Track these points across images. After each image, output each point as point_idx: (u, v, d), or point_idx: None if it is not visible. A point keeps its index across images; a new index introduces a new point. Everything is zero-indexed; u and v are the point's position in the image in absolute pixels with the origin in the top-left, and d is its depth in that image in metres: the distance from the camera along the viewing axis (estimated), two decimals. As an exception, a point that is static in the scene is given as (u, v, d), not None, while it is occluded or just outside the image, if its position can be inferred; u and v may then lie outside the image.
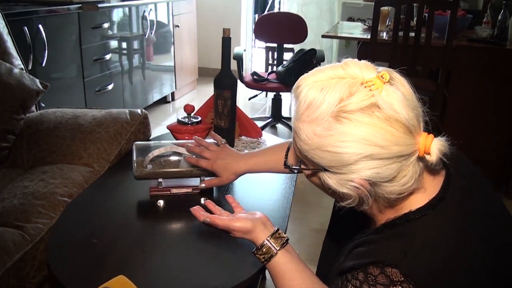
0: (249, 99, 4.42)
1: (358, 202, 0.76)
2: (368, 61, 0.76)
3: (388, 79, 0.72)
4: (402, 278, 0.70)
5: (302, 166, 0.80)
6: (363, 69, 0.73)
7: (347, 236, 0.89)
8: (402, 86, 0.74)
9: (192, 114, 1.59)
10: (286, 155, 0.93)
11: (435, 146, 0.72)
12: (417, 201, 0.77)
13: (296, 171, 0.85)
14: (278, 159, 1.16)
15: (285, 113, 3.94)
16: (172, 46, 4.17)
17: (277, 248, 0.90)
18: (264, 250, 0.90)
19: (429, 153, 0.72)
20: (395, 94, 0.71)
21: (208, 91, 4.71)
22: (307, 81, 0.75)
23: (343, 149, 0.71)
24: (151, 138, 1.81)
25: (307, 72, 0.78)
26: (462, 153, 0.87)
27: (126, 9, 3.39)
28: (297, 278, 0.88)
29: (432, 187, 0.78)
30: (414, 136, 0.72)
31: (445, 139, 0.74)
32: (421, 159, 0.74)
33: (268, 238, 0.91)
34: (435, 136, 0.74)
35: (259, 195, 1.31)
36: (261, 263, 0.92)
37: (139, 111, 1.79)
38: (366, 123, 0.70)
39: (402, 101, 0.71)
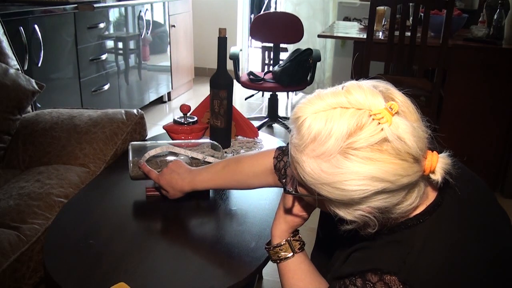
0: (246, 99, 4.42)
1: (363, 226, 0.74)
2: (365, 78, 0.73)
3: (397, 110, 0.67)
4: (401, 286, 0.70)
5: (305, 192, 0.76)
6: (368, 97, 0.68)
7: (338, 241, 0.87)
8: (409, 113, 0.70)
9: (188, 114, 1.59)
10: (285, 177, 0.91)
11: (440, 166, 0.71)
12: (417, 209, 0.76)
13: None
14: (227, 177, 1.16)
15: (281, 112, 3.93)
16: (168, 46, 4.16)
17: (295, 252, 0.90)
18: (282, 248, 0.90)
19: (433, 172, 0.71)
20: (404, 126, 0.67)
21: (204, 91, 4.70)
22: (307, 112, 0.70)
23: (353, 187, 0.68)
24: (147, 138, 1.81)
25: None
26: (459, 162, 0.85)
27: (122, 9, 3.38)
28: (306, 279, 0.88)
29: (431, 193, 0.77)
30: (421, 161, 0.70)
31: (447, 154, 0.72)
32: (425, 176, 0.73)
33: (289, 239, 0.90)
34: (438, 147, 0.73)
35: (255, 194, 1.31)
36: (272, 261, 0.91)
37: (135, 111, 1.78)
38: (376, 160, 0.66)
39: (412, 132, 0.67)
